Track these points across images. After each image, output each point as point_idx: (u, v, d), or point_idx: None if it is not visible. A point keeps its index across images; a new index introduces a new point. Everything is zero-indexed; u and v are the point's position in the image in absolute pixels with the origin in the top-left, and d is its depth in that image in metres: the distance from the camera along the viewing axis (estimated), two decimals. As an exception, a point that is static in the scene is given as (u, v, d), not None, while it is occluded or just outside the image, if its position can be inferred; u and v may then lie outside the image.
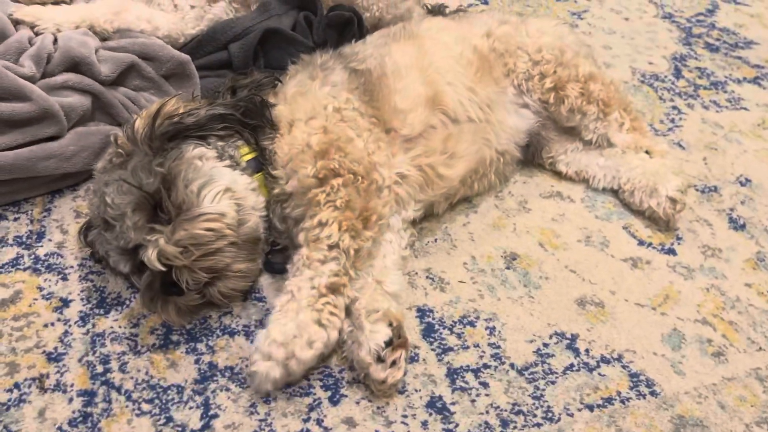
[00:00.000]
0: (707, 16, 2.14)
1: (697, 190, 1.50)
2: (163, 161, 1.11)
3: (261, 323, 1.16)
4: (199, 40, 1.54)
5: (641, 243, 1.37)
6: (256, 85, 1.25)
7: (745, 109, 1.76)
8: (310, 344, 1.02)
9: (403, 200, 1.23)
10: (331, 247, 1.09)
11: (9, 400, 1.02)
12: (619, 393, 1.11)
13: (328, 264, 1.08)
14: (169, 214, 1.08)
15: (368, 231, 1.13)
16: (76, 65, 1.34)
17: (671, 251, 1.36)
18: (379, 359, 1.04)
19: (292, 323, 1.03)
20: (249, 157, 1.20)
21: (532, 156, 1.52)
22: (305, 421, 1.03)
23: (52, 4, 1.49)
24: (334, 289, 1.07)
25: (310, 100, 1.23)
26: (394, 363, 1.05)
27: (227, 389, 1.06)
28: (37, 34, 1.38)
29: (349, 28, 1.58)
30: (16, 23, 1.38)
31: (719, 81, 1.85)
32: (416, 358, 1.12)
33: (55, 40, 1.36)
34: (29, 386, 1.04)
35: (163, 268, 1.04)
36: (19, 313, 1.14)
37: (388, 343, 1.05)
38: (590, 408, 1.08)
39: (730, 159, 1.60)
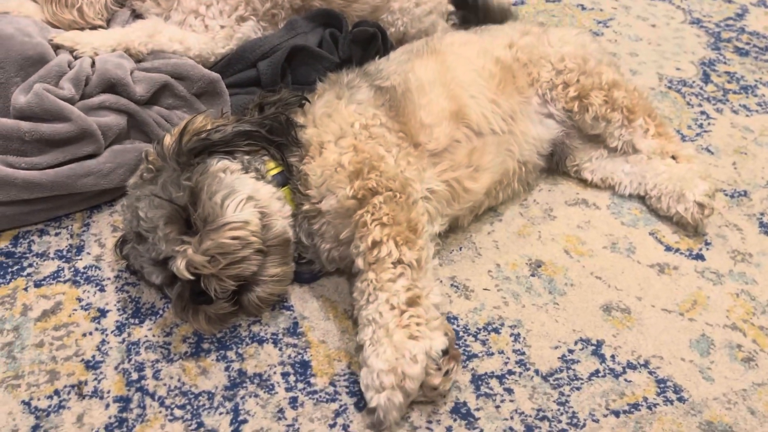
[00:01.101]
0: (736, 20, 2.11)
1: (726, 194, 1.49)
2: (190, 175, 1.13)
3: (288, 331, 1.18)
4: (228, 59, 1.57)
5: (668, 249, 1.36)
6: (283, 103, 1.27)
7: (776, 112, 1.73)
8: (414, 359, 1.01)
9: (431, 215, 1.23)
10: (395, 264, 1.09)
11: (49, 406, 1.05)
12: (645, 399, 1.10)
13: (399, 281, 1.08)
14: (197, 226, 1.11)
15: (420, 240, 1.13)
16: (112, 86, 1.37)
17: (699, 256, 1.35)
18: (437, 366, 1.04)
19: (389, 348, 1.02)
20: (275, 171, 1.22)
21: (556, 164, 1.52)
22: (331, 426, 1.04)
23: (90, 29, 1.54)
24: (412, 302, 1.06)
25: (336, 120, 1.24)
26: (447, 372, 1.06)
27: (256, 395, 1.08)
28: (75, 57, 1.42)
29: (374, 43, 1.60)
30: (56, 48, 1.43)
31: (749, 85, 1.82)
32: (441, 364, 1.13)
33: (93, 63, 1.40)
34: (68, 393, 1.07)
35: (192, 277, 1.06)
36: (59, 323, 1.18)
37: (445, 352, 1.06)
38: (616, 414, 1.07)
39: (761, 163, 1.57)
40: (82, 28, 1.53)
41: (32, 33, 1.39)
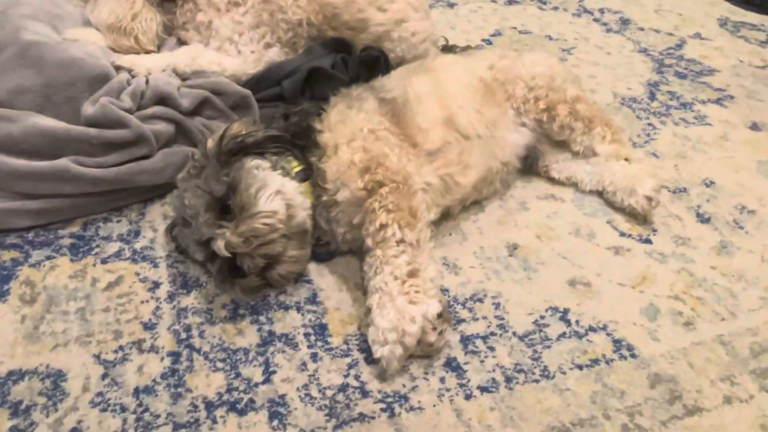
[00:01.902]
0: (676, 49, 2.12)
1: (669, 190, 1.50)
2: (228, 172, 1.15)
3: (308, 300, 1.20)
4: (257, 78, 1.58)
5: (622, 234, 1.37)
6: (304, 113, 1.29)
7: (709, 124, 1.74)
8: (412, 320, 1.03)
9: (428, 205, 1.24)
10: (398, 243, 1.11)
11: (115, 359, 1.07)
12: (604, 355, 1.11)
13: (401, 257, 1.10)
14: (234, 213, 1.13)
15: (419, 223, 1.15)
16: (163, 100, 1.39)
17: (648, 241, 1.36)
18: (432, 327, 1.07)
19: (392, 311, 1.04)
20: (297, 169, 1.23)
21: (530, 165, 1.53)
22: (345, 376, 1.06)
23: (144, 53, 1.56)
24: (412, 274, 1.08)
25: (348, 126, 1.26)
26: (441, 332, 1.08)
27: (283, 351, 1.10)
28: (133, 76, 1.44)
29: (378, 65, 1.61)
30: (117, 68, 1.45)
31: (687, 102, 1.84)
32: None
33: (147, 81, 1.42)
34: (131, 348, 1.09)
35: (229, 255, 1.09)
36: (122, 293, 1.19)
37: (439, 315, 1.08)
38: (580, 367, 1.09)
39: (697, 165, 1.59)
40: (137, 53, 1.54)
41: (98, 56, 1.41)
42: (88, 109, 1.31)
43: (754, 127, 1.74)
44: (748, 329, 1.17)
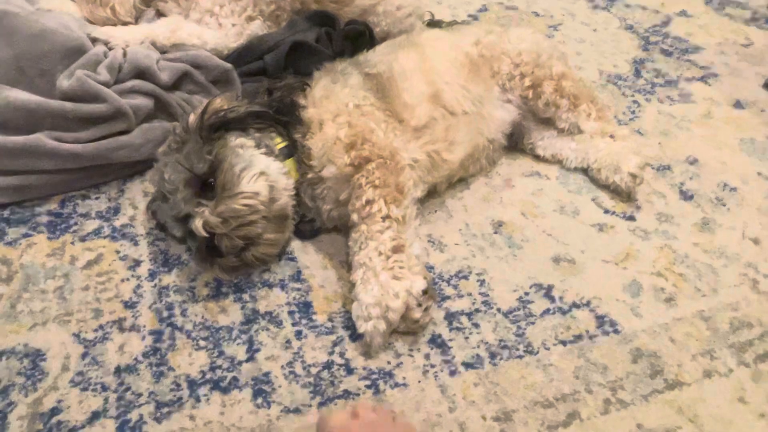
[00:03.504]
0: (662, 27, 2.11)
1: (653, 168, 1.50)
2: (211, 149, 1.13)
3: (293, 277, 1.18)
4: (239, 52, 1.54)
5: (606, 211, 1.38)
6: (288, 88, 1.26)
7: (694, 102, 1.74)
8: (396, 295, 1.03)
9: (415, 182, 1.23)
10: (384, 218, 1.10)
11: (95, 337, 1.06)
12: (587, 331, 1.12)
13: (386, 232, 1.09)
14: (215, 191, 1.11)
15: (405, 200, 1.14)
16: (141, 73, 1.35)
17: (631, 218, 1.36)
18: (417, 303, 1.07)
19: (376, 286, 1.04)
20: (281, 145, 1.21)
21: (515, 142, 1.52)
22: (330, 353, 1.06)
23: (121, 24, 1.51)
24: (396, 249, 1.08)
25: (333, 101, 1.24)
26: (426, 309, 1.08)
27: (267, 329, 1.09)
28: (110, 48, 1.39)
29: (362, 39, 1.58)
30: (93, 40, 1.40)
31: (672, 80, 1.84)
32: (420, 304, 1.14)
33: (125, 54, 1.37)
34: (111, 327, 1.07)
35: (207, 235, 1.07)
36: (102, 271, 1.17)
37: (425, 292, 1.08)
38: (563, 343, 1.10)
39: (681, 143, 1.59)
40: (114, 24, 1.50)
41: (73, 27, 1.36)
42: (64, 82, 1.27)
43: (738, 105, 1.75)
44: (728, 305, 1.18)
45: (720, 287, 1.22)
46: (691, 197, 1.42)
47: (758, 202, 1.42)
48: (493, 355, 1.07)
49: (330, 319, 1.12)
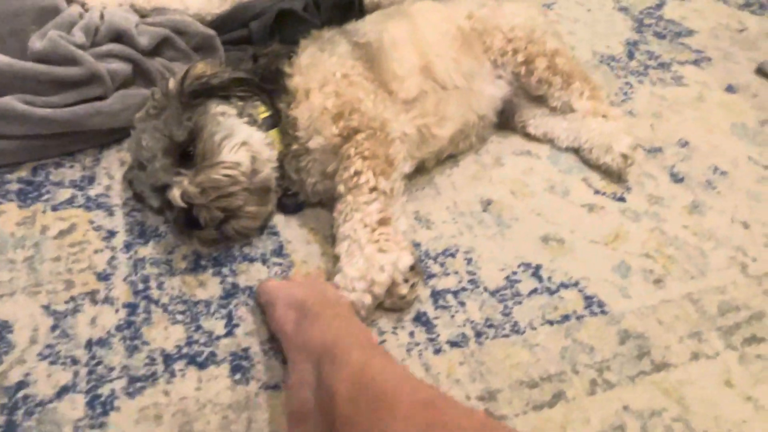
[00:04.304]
0: (656, 9, 2.09)
1: (644, 150, 1.48)
2: (191, 116, 1.08)
3: (275, 252, 1.15)
4: (223, 19, 1.49)
5: (597, 192, 1.35)
6: (274, 55, 1.22)
7: (686, 85, 1.72)
8: (381, 269, 1.00)
9: (404, 156, 1.19)
10: (371, 190, 1.07)
11: (66, 310, 1.01)
12: (575, 311, 1.10)
13: (373, 204, 1.06)
14: (194, 160, 1.07)
15: (394, 172, 1.11)
16: (119, 37, 1.30)
17: (622, 199, 1.34)
18: (404, 279, 1.04)
19: (360, 259, 1.01)
20: (265, 115, 1.17)
21: (506, 120, 1.48)
22: (312, 330, 1.03)
23: (99, -15, 1.45)
24: (382, 222, 1.05)
25: (320, 70, 1.19)
26: (413, 285, 1.05)
27: (247, 304, 1.06)
28: (86, 10, 1.34)
29: (351, 9, 1.53)
30: (69, 1, 1.34)
31: (665, 62, 1.81)
32: (405, 281, 1.12)
33: (102, 16, 1.32)
34: (83, 299, 1.03)
35: (185, 206, 1.03)
36: (74, 241, 1.12)
37: (412, 267, 1.05)
38: (551, 323, 1.08)
39: (673, 125, 1.57)
40: (91, -15, 1.44)
41: (46, -15, 1.30)
42: (36, 43, 1.21)
43: (730, 89, 1.73)
44: (717, 287, 1.17)
45: (708, 270, 1.20)
46: (682, 180, 1.41)
47: (748, 186, 1.41)
48: (478, 334, 1.05)
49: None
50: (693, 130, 1.56)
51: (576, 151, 1.44)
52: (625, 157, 1.34)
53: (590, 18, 1.99)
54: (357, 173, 1.07)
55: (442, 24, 1.36)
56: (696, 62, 1.83)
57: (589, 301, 1.12)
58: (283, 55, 1.22)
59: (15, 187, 1.21)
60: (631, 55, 1.83)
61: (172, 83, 1.12)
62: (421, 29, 1.32)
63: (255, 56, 1.22)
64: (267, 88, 1.17)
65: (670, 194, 1.37)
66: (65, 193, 1.21)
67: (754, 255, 1.25)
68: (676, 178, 1.41)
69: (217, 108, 1.11)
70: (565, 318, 1.09)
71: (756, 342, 1.09)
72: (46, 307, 1.01)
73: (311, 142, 1.14)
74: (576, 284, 1.15)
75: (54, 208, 1.18)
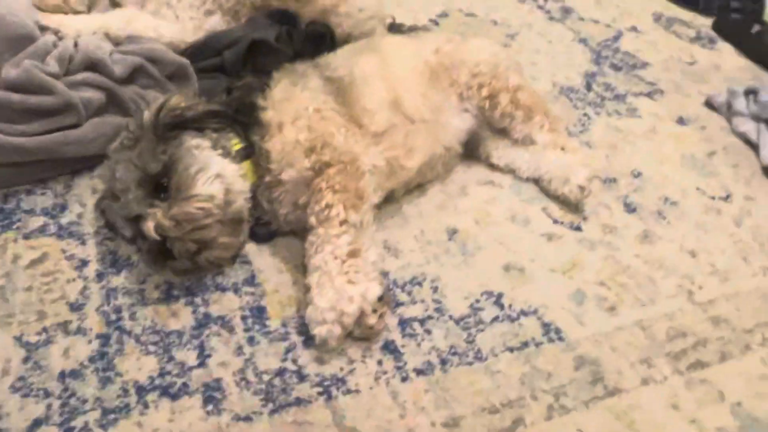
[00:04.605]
0: (613, 41, 2.18)
1: (600, 180, 1.55)
2: (166, 148, 1.10)
3: (247, 281, 1.17)
4: (196, 47, 1.50)
5: (555, 221, 1.42)
6: (247, 88, 1.24)
7: (640, 117, 1.81)
8: (350, 300, 1.03)
9: (374, 188, 1.23)
10: (341, 223, 1.10)
11: (38, 341, 1.02)
12: (533, 338, 1.15)
13: (343, 237, 1.09)
14: (168, 192, 1.08)
15: (364, 205, 1.14)
16: (93, 65, 1.30)
17: (578, 228, 1.41)
18: (373, 309, 1.07)
19: (330, 290, 1.04)
20: (238, 147, 1.19)
21: (471, 151, 1.54)
22: (283, 360, 1.06)
23: (73, 13, 1.45)
24: (352, 254, 1.08)
25: (293, 104, 1.22)
26: (381, 315, 1.09)
27: (219, 335, 1.08)
28: (60, 38, 1.34)
29: (323, 41, 1.57)
30: (43, 29, 1.34)
31: (620, 94, 1.90)
32: (374, 310, 1.15)
33: (76, 44, 1.32)
34: (55, 330, 1.04)
35: (159, 238, 1.04)
36: (46, 271, 1.13)
37: (380, 298, 1.09)
38: (511, 350, 1.13)
39: (627, 156, 1.64)
40: (65, 12, 1.43)
41: (21, 14, 1.29)
42: (10, 72, 1.21)
43: (681, 121, 1.83)
44: (665, 314, 1.24)
45: (658, 297, 1.28)
46: (635, 210, 1.48)
47: (696, 216, 1.49)
48: (443, 362, 1.09)
49: (284, 324, 1.11)
50: (646, 161, 1.64)
51: (536, 181, 1.50)
52: (581, 188, 1.41)
53: (551, 49, 2.07)
54: (328, 206, 1.11)
55: (410, 59, 1.41)
56: (649, 94, 1.92)
57: (546, 328, 1.18)
58: (257, 88, 1.25)
59: (-15, 214, 1.21)
60: (589, 87, 1.91)
61: (147, 115, 1.13)
62: (390, 64, 1.37)
63: (229, 89, 1.25)
64: (241, 120, 1.20)
65: (623, 224, 1.44)
66: (37, 221, 1.22)
67: (700, 283, 1.33)
68: (630, 208, 1.48)
69: (191, 141, 1.13)
70: (525, 345, 1.14)
71: (701, 367, 1.16)
72: (18, 339, 1.02)
73: (284, 174, 1.17)
74: (535, 312, 1.21)
75: (26, 237, 1.18)
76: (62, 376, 0.98)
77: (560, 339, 1.16)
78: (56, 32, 1.36)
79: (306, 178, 1.16)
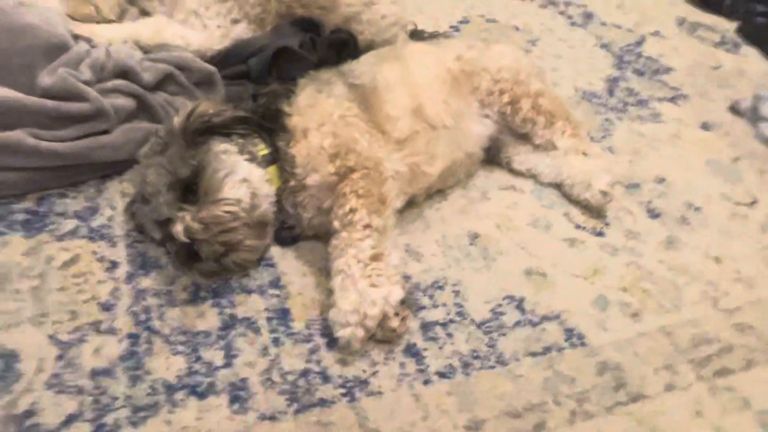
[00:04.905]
0: (636, 46, 2.17)
1: (622, 185, 1.54)
2: (195, 153, 1.13)
3: (271, 284, 1.20)
4: (223, 55, 1.54)
5: (577, 227, 1.42)
6: (273, 94, 1.27)
7: (663, 122, 1.80)
8: (373, 303, 1.05)
9: (396, 193, 1.25)
10: (365, 227, 1.12)
11: (71, 339, 1.05)
12: (556, 343, 1.16)
13: (366, 241, 1.11)
14: (197, 196, 1.11)
15: (387, 210, 1.16)
16: (124, 73, 1.34)
17: (601, 234, 1.41)
18: (395, 312, 1.09)
19: (354, 293, 1.06)
20: (264, 152, 1.22)
21: (492, 156, 1.55)
22: (307, 361, 1.08)
23: (105, 22, 1.50)
24: (375, 258, 1.10)
25: (318, 110, 1.25)
26: (404, 318, 1.11)
27: (245, 335, 1.10)
28: (92, 47, 1.38)
29: (347, 48, 1.59)
30: (76, 37, 1.38)
31: (643, 99, 1.89)
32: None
33: (108, 53, 1.36)
34: (87, 329, 1.07)
35: (187, 240, 1.07)
36: (78, 272, 1.16)
37: (402, 301, 1.10)
38: (533, 355, 1.13)
39: (650, 162, 1.64)
40: (97, 22, 1.48)
41: (55, 23, 1.33)
42: (45, 79, 1.25)
43: (705, 126, 1.81)
44: (690, 321, 1.24)
45: (682, 304, 1.27)
46: (658, 215, 1.47)
47: (720, 222, 1.48)
48: (465, 365, 1.10)
49: (307, 327, 1.13)
50: (669, 166, 1.64)
51: (558, 186, 1.50)
52: (604, 193, 1.41)
53: (573, 55, 2.07)
54: (352, 211, 1.13)
55: (432, 67, 1.42)
56: (673, 99, 1.91)
57: (569, 333, 1.18)
58: (282, 95, 1.27)
59: (20, 217, 1.25)
60: (611, 92, 1.90)
61: (176, 122, 1.17)
62: (413, 72, 1.39)
63: (255, 95, 1.27)
64: (267, 126, 1.22)
65: (646, 229, 1.43)
66: (69, 224, 1.25)
67: (725, 289, 1.32)
68: (653, 214, 1.48)
69: (219, 146, 1.16)
70: (547, 350, 1.15)
71: (725, 374, 1.15)
72: (52, 337, 1.05)
73: (308, 179, 1.19)
74: (557, 317, 1.21)
75: (59, 239, 1.22)
76: (94, 374, 1.01)
77: (583, 344, 1.16)
78: (89, 41, 1.40)
79: (330, 183, 1.18)
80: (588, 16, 2.33)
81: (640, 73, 2.02)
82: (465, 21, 2.16)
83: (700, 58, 2.16)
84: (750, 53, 2.24)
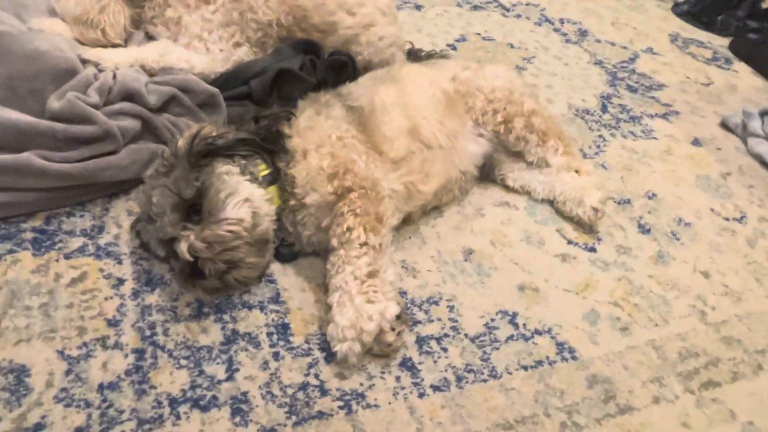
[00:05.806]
0: (629, 63, 2.22)
1: (614, 201, 1.59)
2: (198, 175, 1.17)
3: (272, 299, 1.23)
4: (226, 77, 1.58)
5: (570, 242, 1.46)
6: (274, 117, 1.31)
7: (655, 138, 1.85)
8: (370, 318, 1.09)
9: (393, 211, 1.28)
10: (362, 245, 1.16)
11: (79, 355, 1.09)
12: (547, 357, 1.20)
13: (363, 258, 1.15)
14: (200, 216, 1.15)
15: (383, 228, 1.20)
16: (130, 96, 1.39)
17: (592, 249, 1.45)
18: (391, 327, 1.13)
19: (351, 309, 1.10)
20: (265, 172, 1.26)
21: (486, 173, 1.59)
22: (306, 375, 1.11)
23: (111, 47, 1.54)
24: (371, 275, 1.14)
25: (317, 132, 1.29)
26: (399, 333, 1.15)
27: (246, 350, 1.14)
28: (100, 70, 1.43)
29: (345, 69, 1.64)
30: (84, 62, 1.43)
31: (636, 116, 1.93)
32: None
33: (114, 76, 1.41)
34: (94, 345, 1.11)
35: (191, 258, 1.11)
36: (85, 289, 1.20)
37: (398, 317, 1.14)
38: (525, 368, 1.17)
39: (642, 178, 1.68)
40: (104, 46, 1.53)
41: (64, 48, 1.39)
42: (54, 103, 1.30)
43: (696, 142, 1.86)
44: (678, 335, 1.27)
45: (671, 318, 1.31)
46: (649, 231, 1.51)
47: (710, 237, 1.52)
48: (459, 379, 1.14)
49: (306, 341, 1.17)
50: (660, 182, 1.68)
51: (551, 203, 1.54)
52: (595, 210, 1.45)
53: (567, 72, 2.12)
54: (349, 229, 1.17)
55: (428, 88, 1.47)
56: (665, 116, 1.96)
57: (560, 347, 1.22)
58: (283, 117, 1.32)
59: (30, 236, 1.29)
60: (604, 109, 1.95)
61: (181, 144, 1.21)
62: (408, 93, 1.43)
63: (256, 117, 1.32)
64: (268, 148, 1.27)
65: (637, 245, 1.47)
66: (77, 242, 1.29)
67: (713, 304, 1.35)
68: (644, 229, 1.52)
69: (222, 167, 1.20)
70: (539, 363, 1.18)
71: (712, 386, 1.19)
72: (61, 352, 1.09)
73: (307, 198, 1.24)
74: (549, 331, 1.25)
75: (66, 257, 1.26)
76: (101, 387, 1.05)
77: (573, 358, 1.20)
78: (97, 65, 1.45)
79: (329, 203, 1.22)
80: (582, 33, 2.38)
81: (633, 90, 2.07)
82: (462, 39, 2.22)
83: (692, 75, 2.22)
84: (741, 69, 2.29)
